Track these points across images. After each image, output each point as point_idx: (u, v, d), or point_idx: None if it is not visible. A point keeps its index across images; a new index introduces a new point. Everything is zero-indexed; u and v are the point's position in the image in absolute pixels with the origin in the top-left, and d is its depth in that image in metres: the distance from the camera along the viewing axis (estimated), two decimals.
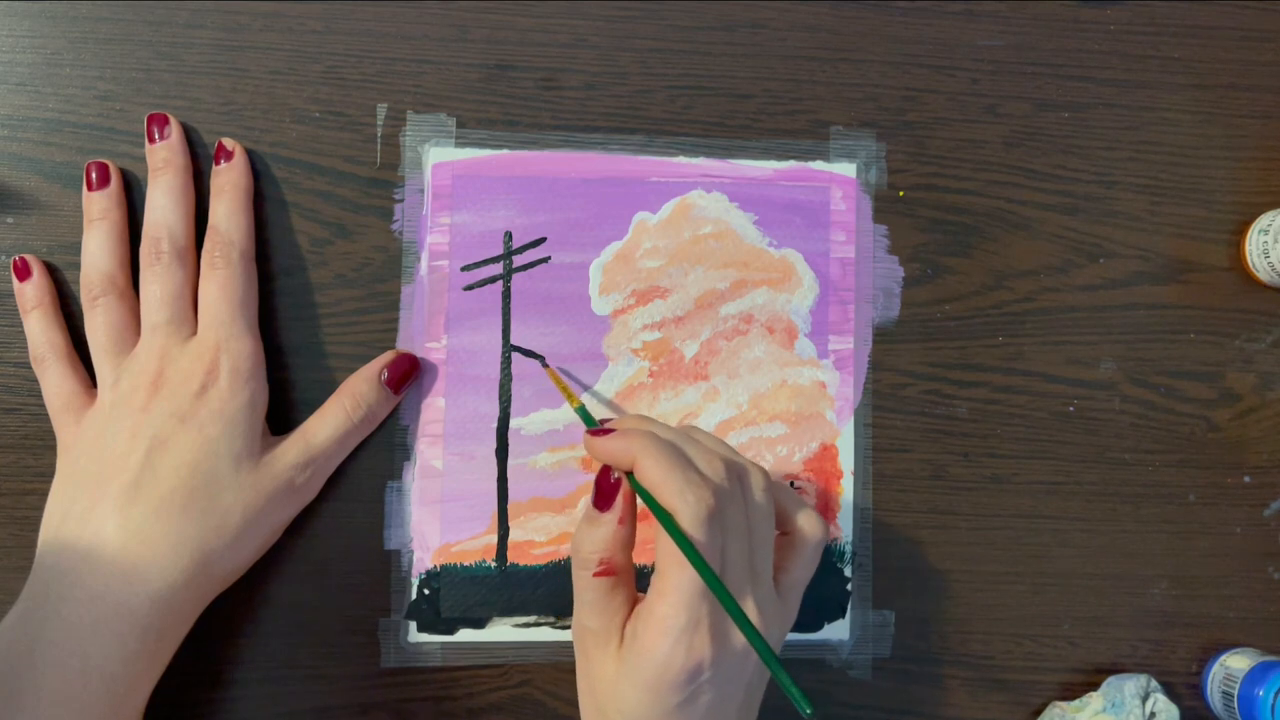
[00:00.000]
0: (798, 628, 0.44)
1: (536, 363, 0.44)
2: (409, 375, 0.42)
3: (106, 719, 0.36)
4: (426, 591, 0.43)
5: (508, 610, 0.43)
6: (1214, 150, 0.47)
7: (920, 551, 0.45)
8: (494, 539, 0.43)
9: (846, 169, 0.45)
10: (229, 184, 0.41)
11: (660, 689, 0.33)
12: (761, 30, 0.45)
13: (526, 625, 0.43)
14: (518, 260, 0.44)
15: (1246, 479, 0.46)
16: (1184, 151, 0.47)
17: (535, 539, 0.43)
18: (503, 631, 0.43)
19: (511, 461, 0.43)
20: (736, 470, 0.35)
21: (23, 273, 0.41)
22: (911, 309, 0.45)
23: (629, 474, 0.34)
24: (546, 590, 0.43)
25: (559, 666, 0.43)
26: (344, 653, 0.43)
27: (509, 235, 0.44)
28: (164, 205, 0.40)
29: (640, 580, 0.43)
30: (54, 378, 0.40)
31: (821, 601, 0.44)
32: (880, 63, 0.45)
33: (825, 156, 0.45)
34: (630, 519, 0.35)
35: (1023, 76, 0.46)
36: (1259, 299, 0.47)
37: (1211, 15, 0.47)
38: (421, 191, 0.43)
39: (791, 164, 0.45)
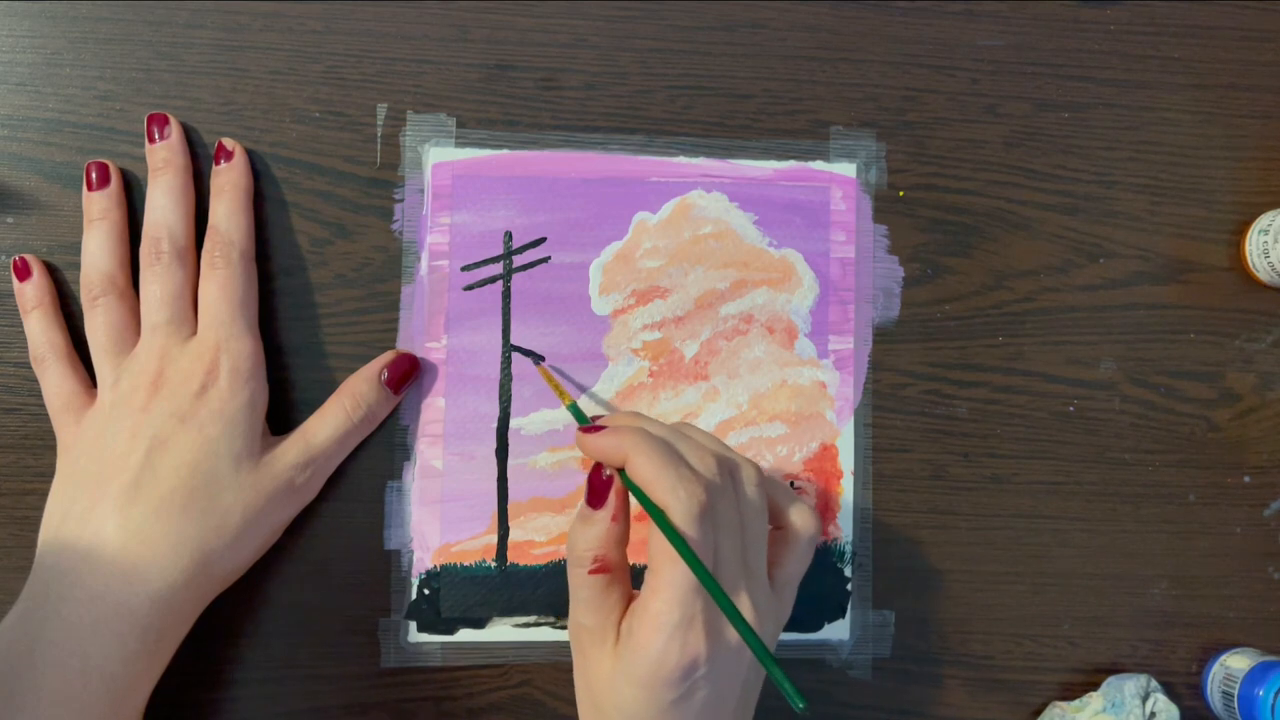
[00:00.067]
0: (798, 627, 0.44)
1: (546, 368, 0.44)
2: (409, 375, 0.42)
3: (106, 719, 0.36)
4: (426, 591, 0.43)
5: (508, 610, 0.43)
6: (1214, 150, 0.47)
7: (920, 551, 0.45)
8: (494, 539, 0.43)
9: (846, 169, 0.45)
10: (229, 184, 0.41)
11: (655, 685, 0.33)
12: (761, 30, 0.45)
13: (526, 625, 0.43)
14: (518, 260, 0.44)
15: (1246, 479, 0.46)
16: (1184, 151, 0.47)
17: (535, 539, 0.43)
18: (503, 631, 0.43)
19: (511, 461, 0.43)
20: (728, 466, 0.35)
21: (23, 273, 0.41)
22: (911, 309, 0.45)
23: (621, 471, 0.34)
24: (546, 590, 0.43)
25: (559, 666, 0.43)
26: (344, 653, 0.43)
27: (509, 235, 0.44)
28: (164, 205, 0.40)
29: (636, 579, 0.43)
30: (54, 378, 0.40)
31: (821, 601, 0.44)
32: (880, 63, 0.45)
33: (825, 156, 0.45)
34: (623, 516, 0.35)
35: (1023, 76, 0.46)
36: (1259, 299, 0.47)
37: (1211, 15, 0.47)
38: (421, 191, 0.43)
39: (791, 164, 0.45)
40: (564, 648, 0.43)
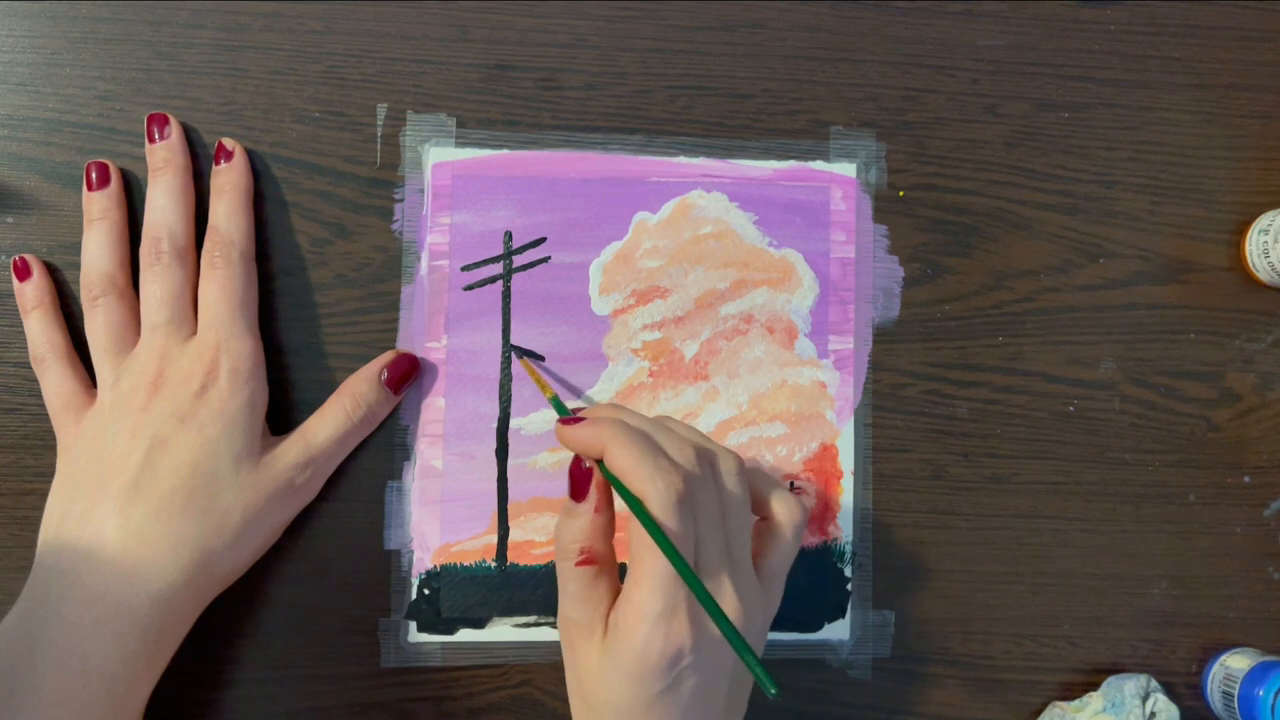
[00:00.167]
0: (798, 627, 0.44)
1: (538, 366, 0.44)
2: (409, 375, 0.42)
3: (106, 719, 0.36)
4: (426, 591, 0.43)
5: (508, 610, 0.43)
6: (1214, 150, 0.47)
7: (920, 551, 0.45)
8: (494, 539, 0.43)
9: (846, 169, 0.45)
10: (229, 184, 0.41)
11: (642, 676, 0.33)
12: (761, 30, 0.45)
13: (526, 625, 0.43)
14: (518, 260, 0.44)
15: (1246, 479, 0.46)
16: (1184, 151, 0.47)
17: (535, 539, 0.43)
18: (503, 631, 0.43)
19: (511, 461, 0.43)
20: (707, 456, 0.35)
21: (23, 273, 0.41)
22: (911, 309, 0.45)
23: (600, 462, 0.34)
24: (546, 590, 0.43)
25: (559, 666, 0.43)
26: (344, 653, 0.43)
27: (509, 235, 0.44)
28: (164, 205, 0.40)
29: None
30: (54, 378, 0.40)
31: (821, 601, 0.44)
32: (880, 63, 0.45)
33: (825, 156, 0.45)
34: (607, 507, 0.35)
35: (1023, 76, 0.46)
36: (1259, 299, 0.47)
37: (1211, 15, 0.47)
38: (421, 191, 0.43)
39: (791, 164, 0.45)
40: None
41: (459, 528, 0.43)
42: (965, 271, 0.45)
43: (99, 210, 0.41)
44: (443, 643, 0.43)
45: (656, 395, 0.44)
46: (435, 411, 0.43)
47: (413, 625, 0.43)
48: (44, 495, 0.39)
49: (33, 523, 0.40)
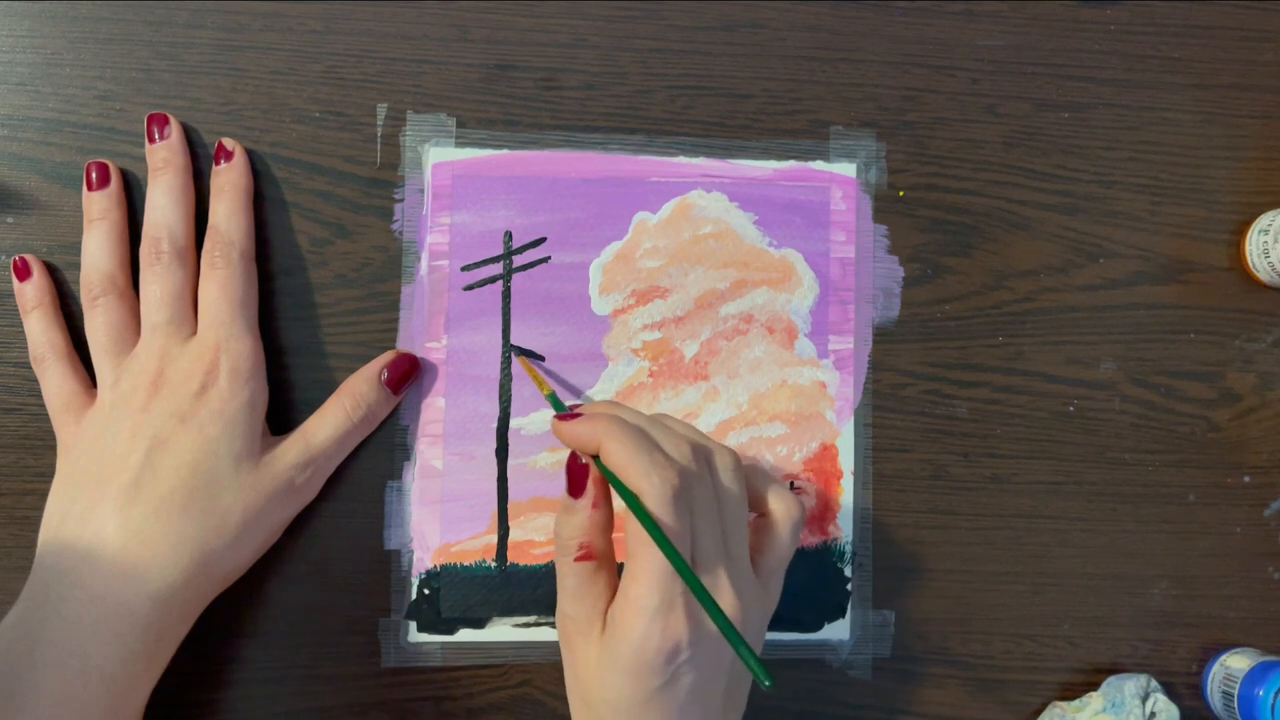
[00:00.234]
0: (798, 627, 0.44)
1: (537, 365, 0.44)
2: (409, 375, 0.42)
3: (106, 719, 0.36)
4: (426, 591, 0.43)
5: (508, 610, 0.43)
6: (1214, 150, 0.47)
7: (920, 551, 0.45)
8: (494, 539, 0.43)
9: (846, 169, 0.45)
10: (229, 184, 0.41)
11: (639, 672, 0.33)
12: (761, 30, 0.45)
13: (526, 625, 0.43)
14: (518, 260, 0.44)
15: (1246, 479, 0.46)
16: (1184, 151, 0.47)
17: (535, 539, 0.43)
18: (503, 631, 0.43)
19: (511, 461, 0.43)
20: (703, 452, 0.35)
21: (23, 273, 0.41)
22: (911, 309, 0.45)
23: (596, 458, 0.34)
24: (546, 590, 0.43)
25: (559, 666, 0.43)
26: (344, 653, 0.43)
27: (509, 235, 0.44)
28: (164, 205, 0.40)
29: None
30: (54, 378, 0.40)
31: (821, 601, 0.44)
32: (880, 63, 0.45)
33: (825, 156, 0.45)
34: (604, 503, 0.35)
35: (1023, 76, 0.46)
36: (1259, 299, 0.47)
37: (1211, 15, 0.47)
38: (421, 191, 0.43)
39: (791, 164, 0.45)
40: None
41: (459, 528, 0.43)
42: (965, 271, 0.45)
43: (99, 210, 0.41)
44: (443, 643, 0.43)
45: (656, 395, 0.44)
46: (435, 411, 0.43)
47: (413, 625, 0.43)
48: (44, 495, 0.39)
49: (33, 523, 0.40)
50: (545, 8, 0.44)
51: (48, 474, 0.40)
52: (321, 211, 0.43)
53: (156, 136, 0.41)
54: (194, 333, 0.40)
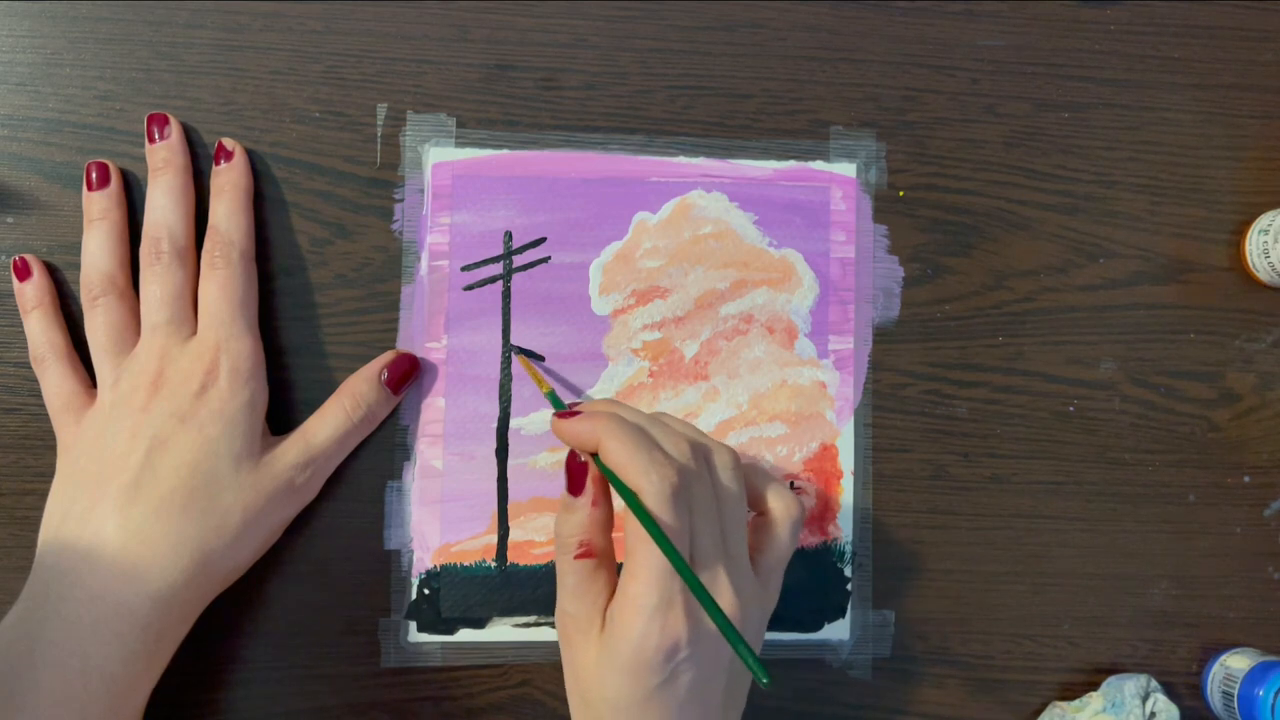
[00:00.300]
0: (798, 627, 0.44)
1: (537, 364, 0.44)
2: (409, 375, 0.42)
3: (106, 719, 0.36)
4: (426, 591, 0.43)
5: (508, 610, 0.43)
6: (1214, 150, 0.47)
7: (920, 551, 0.45)
8: (494, 539, 0.43)
9: (846, 169, 0.45)
10: (229, 184, 0.41)
11: (638, 670, 0.33)
12: (761, 30, 0.45)
13: (526, 625, 0.43)
14: (518, 260, 0.44)
15: (1246, 479, 0.46)
16: (1184, 151, 0.47)
17: (535, 539, 0.43)
18: (503, 631, 0.43)
19: (511, 461, 0.43)
20: (702, 450, 0.35)
21: (23, 273, 0.41)
22: (911, 309, 0.45)
23: (595, 456, 0.34)
24: (546, 590, 0.43)
25: (559, 666, 0.43)
26: (344, 653, 0.43)
27: (509, 235, 0.44)
28: (164, 205, 0.40)
29: None
30: (54, 378, 0.40)
31: (821, 601, 0.44)
32: (880, 63, 0.45)
33: (825, 156, 0.45)
34: (604, 500, 0.35)
35: (1023, 76, 0.46)
36: (1259, 299, 0.47)
37: (1211, 15, 0.47)
38: (421, 191, 0.43)
39: (791, 164, 0.45)
40: None
41: (459, 528, 0.43)
42: (965, 271, 0.45)
43: (99, 210, 0.41)
44: (443, 643, 0.43)
45: (656, 395, 0.44)
46: (435, 411, 0.43)
47: (413, 625, 0.43)
48: (44, 495, 0.39)
49: (33, 523, 0.40)
50: (545, 8, 0.44)
51: (48, 474, 0.40)
52: (321, 211, 0.43)
53: (156, 136, 0.41)
54: (194, 333, 0.40)
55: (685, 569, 0.31)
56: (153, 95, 0.43)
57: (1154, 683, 0.44)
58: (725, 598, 0.33)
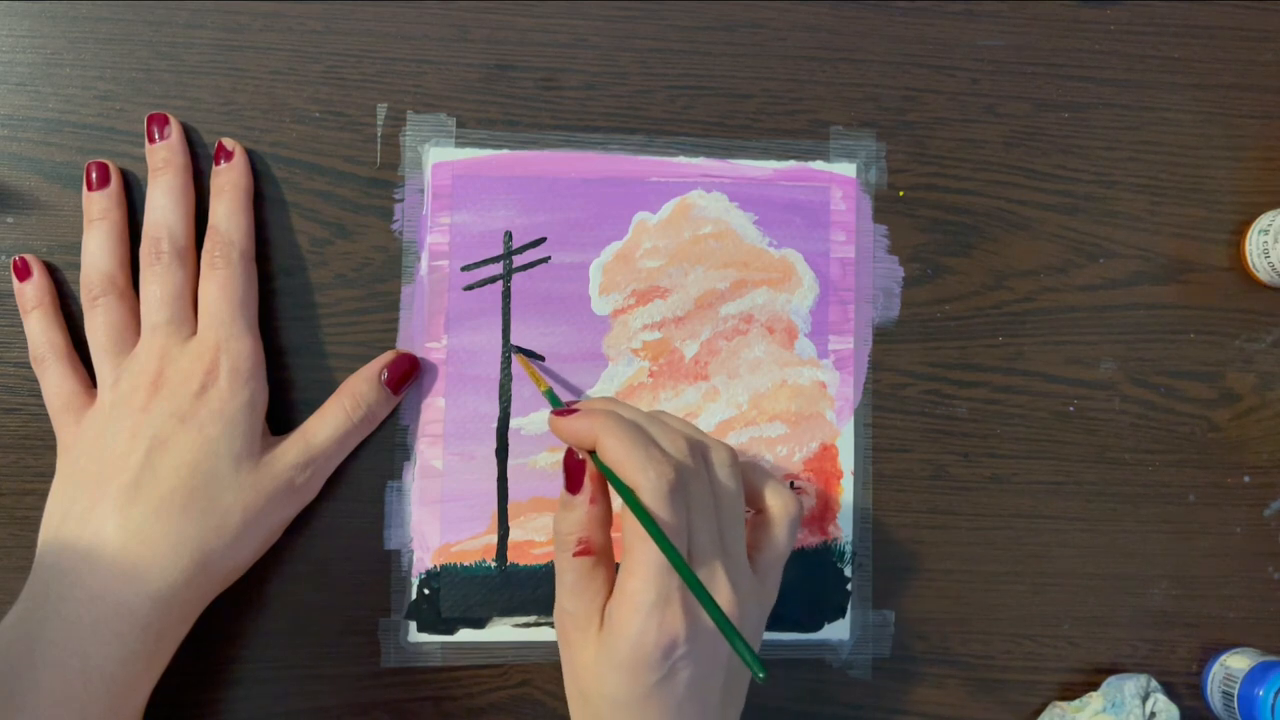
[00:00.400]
0: (798, 627, 0.44)
1: (536, 364, 0.44)
2: (409, 375, 0.42)
3: (106, 719, 0.36)
4: (426, 591, 0.43)
5: (508, 610, 0.43)
6: (1214, 150, 0.47)
7: (920, 551, 0.45)
8: (494, 539, 0.43)
9: (846, 169, 0.45)
10: (229, 184, 0.41)
11: (637, 667, 0.33)
12: (761, 30, 0.45)
13: (526, 625, 0.43)
14: (518, 260, 0.44)
15: (1246, 479, 0.46)
16: (1184, 151, 0.47)
17: (535, 539, 0.43)
18: (503, 631, 0.43)
19: (511, 461, 0.43)
20: (700, 448, 0.35)
21: (23, 273, 0.41)
22: (911, 309, 0.45)
23: (593, 453, 0.34)
24: (546, 590, 0.43)
25: (559, 666, 0.43)
26: (344, 653, 0.43)
27: (509, 235, 0.44)
28: (164, 205, 0.40)
29: None
30: (54, 378, 0.40)
31: (821, 601, 0.44)
32: (880, 63, 0.45)
33: (825, 156, 0.45)
34: (602, 498, 0.35)
35: (1023, 76, 0.46)
36: (1259, 299, 0.47)
37: (1211, 15, 0.47)
38: (421, 191, 0.43)
39: (791, 164, 0.45)
40: None
41: (459, 528, 0.43)
42: (965, 271, 0.45)
43: (99, 210, 0.41)
44: (443, 643, 0.43)
45: (656, 395, 0.44)
46: (435, 411, 0.43)
47: (413, 625, 0.43)
48: (44, 495, 0.39)
49: (33, 523, 0.40)
50: (545, 8, 0.44)
51: (48, 474, 0.40)
52: (321, 211, 0.43)
53: (156, 136, 0.41)
54: (194, 333, 0.40)
55: (683, 566, 0.32)
56: (153, 95, 0.43)
57: (1154, 683, 0.44)
58: (723, 594, 0.33)
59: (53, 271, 0.42)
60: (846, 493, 0.45)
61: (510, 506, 0.43)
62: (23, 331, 0.41)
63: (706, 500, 0.34)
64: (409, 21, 0.44)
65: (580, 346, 0.44)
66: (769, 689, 0.44)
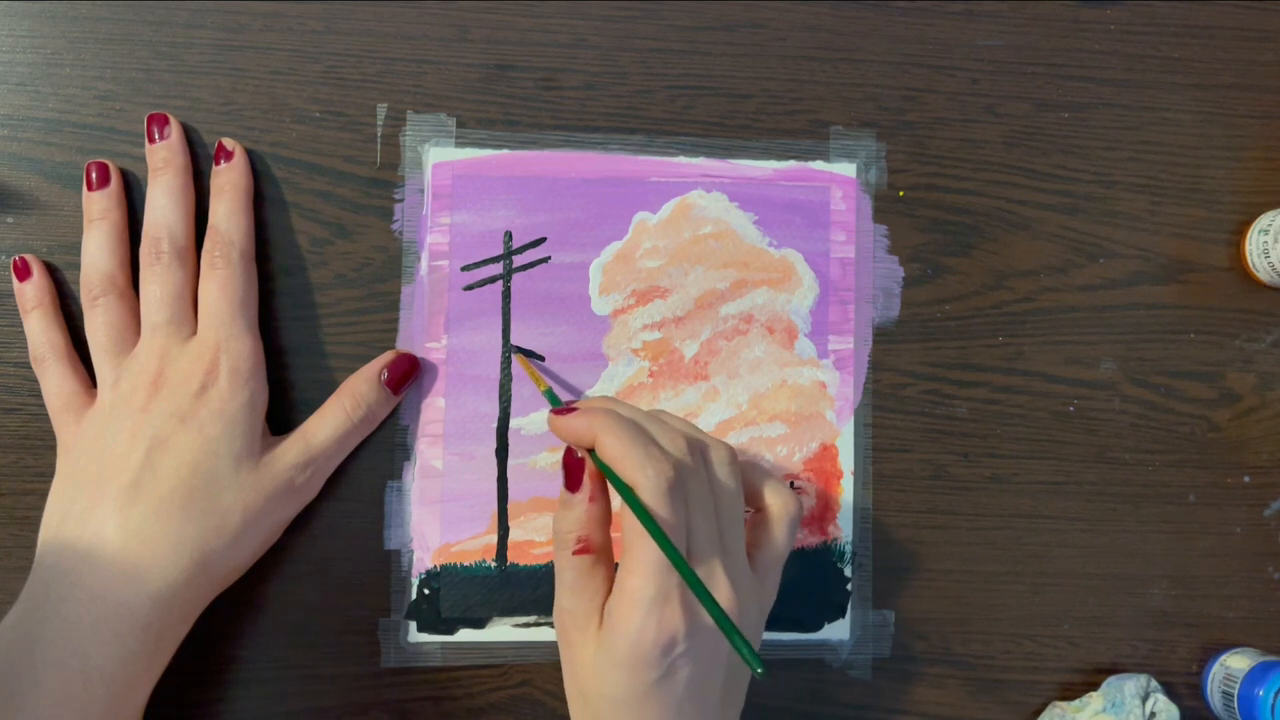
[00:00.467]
0: (798, 627, 0.44)
1: (535, 364, 0.44)
2: (409, 375, 0.42)
3: (106, 719, 0.36)
4: (426, 591, 0.43)
5: (508, 610, 0.43)
6: (1214, 150, 0.47)
7: (920, 551, 0.45)
8: (494, 539, 0.43)
9: (846, 169, 0.45)
10: (229, 184, 0.41)
11: (636, 665, 0.33)
12: (761, 30, 0.45)
13: (526, 625, 0.43)
14: (518, 260, 0.44)
15: (1246, 479, 0.46)
16: (1184, 151, 0.47)
17: (535, 539, 0.43)
18: (503, 631, 0.43)
19: (511, 461, 0.43)
20: (699, 446, 0.35)
21: (23, 273, 0.41)
22: (911, 309, 0.45)
23: (592, 452, 0.34)
24: (546, 590, 0.43)
25: (559, 666, 0.43)
26: (344, 653, 0.43)
27: (509, 235, 0.44)
28: (164, 205, 0.40)
29: None
30: (54, 378, 0.40)
31: (821, 601, 0.44)
32: (880, 63, 0.45)
33: (825, 156, 0.45)
34: (601, 496, 0.35)
35: (1023, 76, 0.46)
36: (1259, 299, 0.47)
37: (1211, 15, 0.47)
38: (421, 191, 0.43)
39: (791, 164, 0.45)
40: None
41: (459, 528, 0.43)
42: (965, 271, 0.45)
43: (99, 210, 0.41)
44: (443, 643, 0.43)
45: (656, 395, 0.44)
46: (435, 411, 0.43)
47: (413, 625, 0.43)
48: (44, 495, 0.39)
49: (33, 523, 0.40)
50: (545, 8, 0.44)
51: (48, 474, 0.40)
52: (321, 211, 0.43)
53: (156, 136, 0.41)
54: (194, 333, 0.40)
55: (682, 563, 0.32)
56: (153, 95, 0.43)
57: (1154, 683, 0.44)
58: (722, 592, 0.33)
59: (53, 271, 0.42)
60: (846, 493, 0.45)
61: (510, 506, 0.43)
62: (23, 331, 0.41)
63: (706, 499, 0.34)
64: (409, 21, 0.44)
65: (580, 346, 0.44)
66: (769, 689, 0.44)
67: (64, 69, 0.42)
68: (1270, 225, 0.45)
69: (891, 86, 0.45)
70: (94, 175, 0.41)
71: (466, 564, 0.43)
